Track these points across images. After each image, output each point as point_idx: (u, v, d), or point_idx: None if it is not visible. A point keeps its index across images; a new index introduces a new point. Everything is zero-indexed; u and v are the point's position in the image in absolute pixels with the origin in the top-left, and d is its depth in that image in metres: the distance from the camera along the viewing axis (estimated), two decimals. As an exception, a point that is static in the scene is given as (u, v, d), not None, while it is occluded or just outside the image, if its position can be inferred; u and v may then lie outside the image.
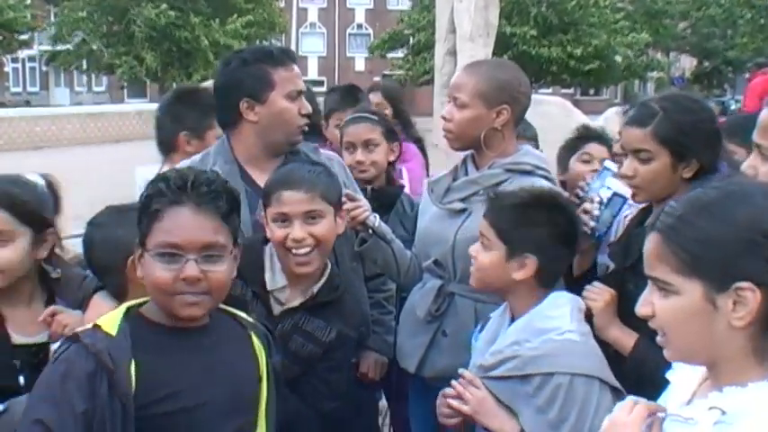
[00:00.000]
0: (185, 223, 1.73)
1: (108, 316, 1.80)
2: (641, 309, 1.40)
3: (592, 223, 2.43)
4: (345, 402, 2.69)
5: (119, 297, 2.09)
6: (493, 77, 2.58)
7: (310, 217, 2.27)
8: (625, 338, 2.19)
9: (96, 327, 1.75)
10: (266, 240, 2.37)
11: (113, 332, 1.73)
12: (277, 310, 2.30)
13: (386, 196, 3.13)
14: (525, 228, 2.14)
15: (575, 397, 1.97)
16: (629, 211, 2.50)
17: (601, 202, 2.47)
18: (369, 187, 3.15)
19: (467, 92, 2.56)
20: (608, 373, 2.03)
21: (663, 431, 1.41)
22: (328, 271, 2.38)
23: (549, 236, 2.14)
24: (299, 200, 2.26)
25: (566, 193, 2.62)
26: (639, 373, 2.06)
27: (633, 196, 2.35)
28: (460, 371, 2.17)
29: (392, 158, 3.28)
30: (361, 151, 3.20)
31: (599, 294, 2.25)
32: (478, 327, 2.37)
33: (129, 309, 1.82)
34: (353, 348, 2.48)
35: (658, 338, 1.40)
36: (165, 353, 1.76)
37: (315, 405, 2.26)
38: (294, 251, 2.26)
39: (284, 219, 2.27)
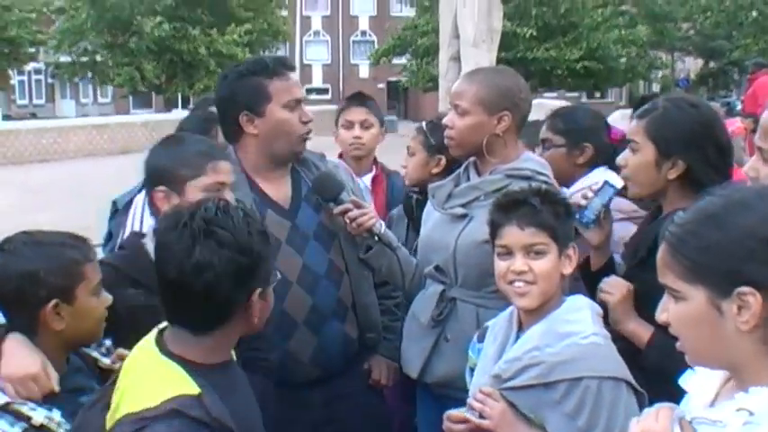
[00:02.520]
0: None
1: (167, 373, 1.67)
2: (660, 316, 1.42)
3: (583, 201, 2.43)
4: (357, 408, 2.70)
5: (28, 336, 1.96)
6: (493, 84, 2.60)
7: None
8: (642, 331, 2.22)
9: (179, 393, 1.62)
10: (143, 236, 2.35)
11: (196, 391, 1.64)
12: None
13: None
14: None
15: (603, 401, 1.95)
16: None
17: (593, 192, 2.48)
18: (415, 197, 3.20)
19: (467, 99, 2.58)
20: (630, 376, 2.01)
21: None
22: None
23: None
24: (229, 170, 2.32)
25: (565, 191, 2.61)
26: (660, 364, 2.05)
27: (626, 189, 2.41)
28: (480, 387, 2.09)
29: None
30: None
31: (615, 288, 2.27)
32: (476, 337, 2.33)
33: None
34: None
35: (678, 344, 1.42)
36: (226, 392, 1.72)
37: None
38: None
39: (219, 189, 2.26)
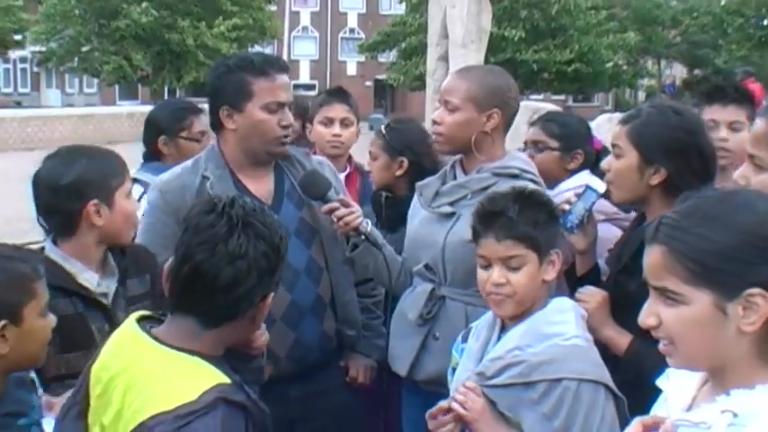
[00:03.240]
0: None
1: (191, 365, 1.61)
2: (646, 320, 1.39)
3: (567, 206, 2.44)
4: (333, 405, 2.70)
5: None
6: (484, 82, 2.60)
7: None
8: (619, 338, 2.22)
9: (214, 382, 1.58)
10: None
11: (228, 380, 1.61)
12: (107, 301, 2.25)
13: (397, 206, 3.09)
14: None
15: (581, 403, 1.94)
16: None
17: (577, 195, 2.50)
18: (384, 194, 3.21)
19: (458, 95, 2.57)
20: (610, 380, 2.01)
21: None
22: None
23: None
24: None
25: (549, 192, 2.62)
26: (638, 370, 2.06)
27: (608, 192, 2.42)
28: (465, 381, 2.09)
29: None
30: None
31: (591, 296, 2.28)
32: (460, 338, 2.34)
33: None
34: None
35: (662, 347, 1.40)
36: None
37: None
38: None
39: None
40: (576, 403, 1.94)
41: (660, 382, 1.51)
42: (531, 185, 2.50)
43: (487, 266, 2.11)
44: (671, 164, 2.27)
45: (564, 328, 2.04)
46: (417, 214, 2.72)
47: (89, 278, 2.22)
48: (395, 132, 3.22)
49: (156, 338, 1.66)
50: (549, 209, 2.14)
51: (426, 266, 2.60)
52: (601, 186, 2.43)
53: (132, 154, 3.14)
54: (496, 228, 2.08)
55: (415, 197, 2.76)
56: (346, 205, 2.58)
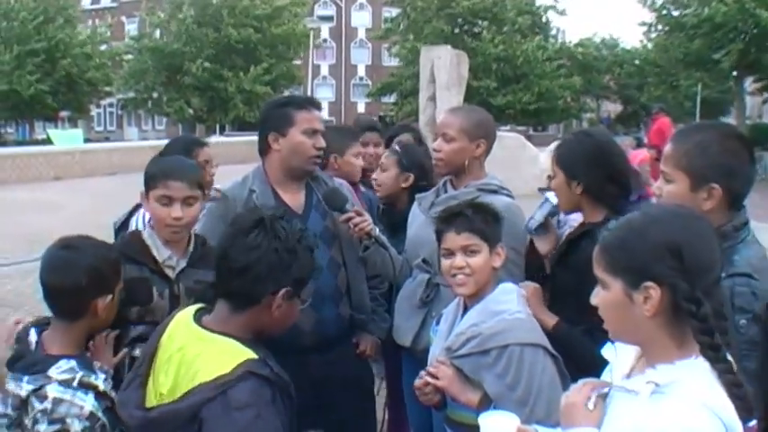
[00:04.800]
0: None
1: (227, 345, 1.58)
2: (593, 299, 1.41)
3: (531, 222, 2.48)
4: (347, 371, 2.63)
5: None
6: (473, 117, 2.64)
7: (188, 203, 2.21)
8: (547, 319, 2.23)
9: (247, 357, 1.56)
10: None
11: (257, 355, 1.58)
12: (172, 274, 2.22)
13: (395, 216, 3.09)
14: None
15: (525, 362, 1.97)
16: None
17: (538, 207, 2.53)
18: (381, 207, 3.22)
19: (454, 129, 2.60)
20: (547, 343, 2.04)
21: (607, 402, 1.40)
22: (192, 239, 2.29)
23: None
24: (181, 187, 2.20)
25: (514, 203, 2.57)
26: (564, 345, 2.10)
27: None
28: (437, 356, 2.11)
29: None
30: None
31: (527, 287, 2.29)
32: (434, 322, 2.35)
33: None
34: None
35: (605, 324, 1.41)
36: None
37: None
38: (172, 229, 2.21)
39: (167, 201, 2.19)
40: (521, 363, 1.97)
41: (605, 352, 1.50)
42: (507, 199, 2.57)
43: (449, 255, 2.13)
44: (587, 176, 2.27)
45: (509, 306, 2.06)
46: (416, 220, 2.74)
47: (162, 252, 2.21)
48: (408, 151, 3.18)
49: (202, 326, 1.65)
50: (494, 214, 2.16)
51: (424, 260, 2.61)
52: (555, 200, 2.44)
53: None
54: (457, 224, 2.11)
55: (414, 206, 2.79)
56: (360, 215, 2.58)
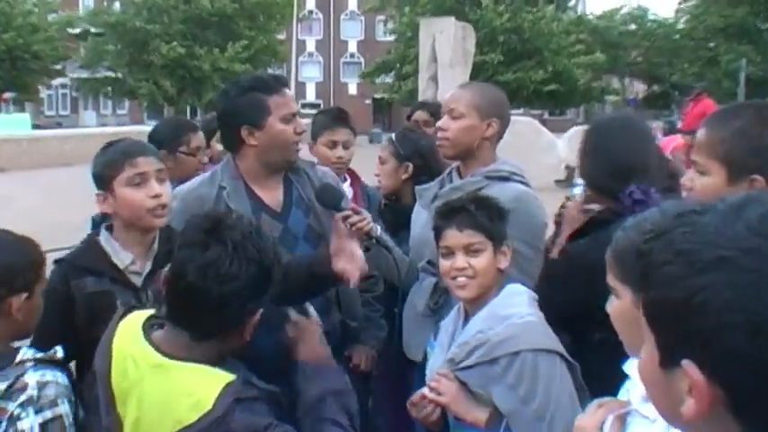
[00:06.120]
0: None
1: (198, 374, 1.54)
2: (607, 307, 1.42)
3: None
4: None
5: None
6: (486, 93, 2.63)
7: (160, 178, 2.22)
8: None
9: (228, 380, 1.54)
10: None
11: (232, 376, 1.56)
12: (138, 280, 2.19)
13: (399, 212, 3.09)
14: None
15: (539, 370, 1.95)
16: None
17: (575, 197, 2.51)
18: (383, 202, 3.20)
19: (463, 104, 2.59)
20: (563, 349, 2.03)
21: (627, 426, 1.38)
22: (156, 235, 2.27)
23: None
24: (150, 161, 2.21)
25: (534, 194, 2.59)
26: None
27: None
28: (436, 370, 2.09)
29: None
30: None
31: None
32: (432, 336, 2.33)
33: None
34: None
35: None
36: None
37: None
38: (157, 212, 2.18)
39: (140, 180, 2.18)
40: (536, 371, 1.95)
41: (627, 367, 1.47)
42: (521, 186, 2.52)
43: (449, 255, 2.13)
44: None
45: (518, 309, 2.05)
46: (420, 217, 2.72)
47: (123, 258, 2.18)
48: (404, 139, 3.21)
49: (158, 348, 1.58)
50: (499, 209, 2.17)
51: (429, 262, 2.59)
52: None
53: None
54: (458, 220, 2.12)
55: (418, 200, 2.76)
56: (358, 213, 2.56)
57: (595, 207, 2.33)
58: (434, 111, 4.24)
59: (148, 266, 2.21)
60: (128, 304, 2.05)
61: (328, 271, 2.25)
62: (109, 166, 2.20)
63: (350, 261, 2.25)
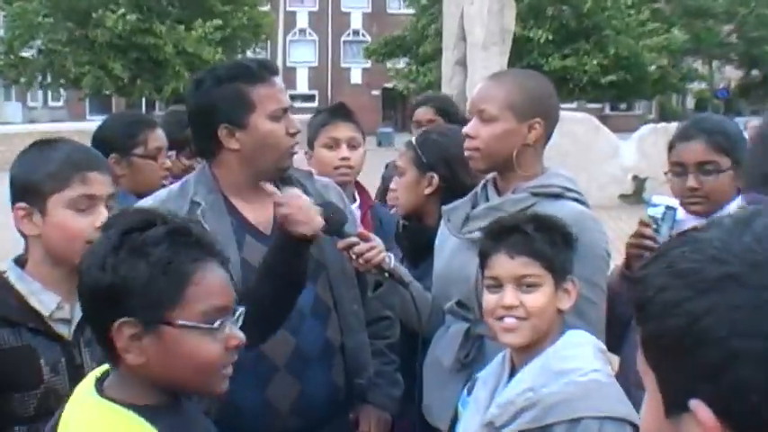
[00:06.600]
0: (222, 282, 1.64)
1: (113, 420, 1.57)
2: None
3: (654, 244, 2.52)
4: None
5: None
6: (525, 86, 2.61)
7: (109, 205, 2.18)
8: None
9: None
10: None
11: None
12: (67, 331, 2.16)
13: (421, 236, 3.05)
14: None
15: None
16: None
17: (656, 222, 2.57)
18: (401, 221, 3.19)
19: (496, 103, 2.56)
20: (637, 416, 2.03)
21: None
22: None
23: None
24: (104, 181, 2.17)
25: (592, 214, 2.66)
26: None
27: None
28: None
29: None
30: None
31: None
32: (465, 390, 2.34)
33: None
34: None
35: None
36: None
37: None
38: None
39: (87, 206, 2.14)
40: None
41: None
42: (576, 206, 2.54)
43: (497, 288, 2.14)
44: None
45: (580, 362, 2.05)
46: (446, 243, 2.71)
47: (45, 300, 2.12)
48: (428, 143, 3.13)
49: (103, 394, 1.63)
50: (565, 233, 2.17)
51: (459, 303, 2.58)
52: (675, 202, 2.58)
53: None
54: (510, 243, 2.12)
55: (443, 224, 2.75)
56: (366, 239, 2.57)
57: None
58: (442, 107, 4.19)
59: (79, 311, 2.01)
60: (55, 364, 2.07)
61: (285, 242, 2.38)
62: (50, 178, 2.13)
63: (293, 209, 2.36)
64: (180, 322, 1.56)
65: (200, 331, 1.57)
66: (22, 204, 2.14)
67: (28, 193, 2.15)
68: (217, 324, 1.58)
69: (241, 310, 1.69)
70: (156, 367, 1.57)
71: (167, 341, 1.57)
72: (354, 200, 3.50)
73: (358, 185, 3.64)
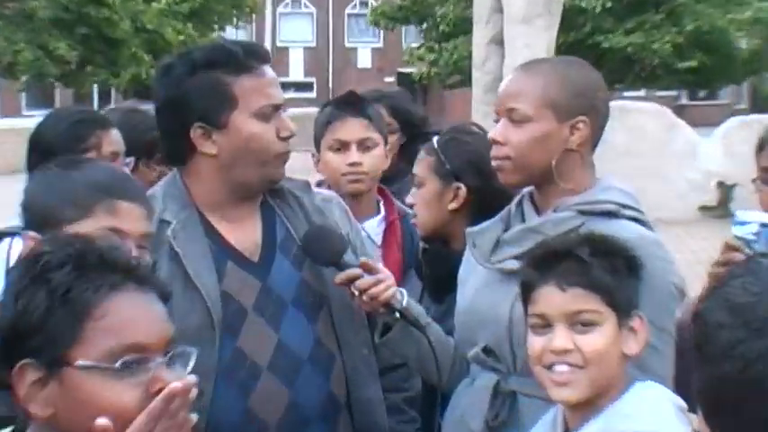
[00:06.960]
0: (142, 315, 1.64)
1: None
2: None
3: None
4: None
5: None
6: (564, 78, 2.63)
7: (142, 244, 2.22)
8: None
9: None
10: None
11: None
12: None
13: (445, 262, 3.05)
14: None
15: None
16: None
17: (748, 246, 2.54)
18: (422, 245, 3.21)
19: (530, 100, 2.59)
20: None
21: None
22: None
23: None
24: (138, 215, 2.22)
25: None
26: None
27: None
28: None
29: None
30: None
31: None
32: None
33: None
34: None
35: None
36: None
37: None
38: None
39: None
40: None
41: None
42: (634, 226, 2.54)
43: (544, 328, 2.16)
44: None
45: (654, 424, 2.07)
46: (472, 275, 2.73)
47: None
48: (452, 145, 3.16)
49: None
50: (628, 257, 2.19)
51: (486, 350, 2.60)
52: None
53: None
54: (560, 272, 2.15)
55: (467, 250, 2.76)
56: (371, 270, 2.59)
57: None
58: (396, 106, 4.16)
59: None
60: None
61: None
62: (69, 204, 2.20)
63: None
64: (79, 363, 1.55)
65: (103, 373, 1.56)
66: (33, 234, 2.20)
67: (43, 220, 2.21)
68: (125, 364, 1.56)
69: (185, 350, 1.67)
70: (65, 421, 1.58)
71: (68, 387, 1.57)
72: (379, 211, 3.53)
73: (382, 193, 3.63)
